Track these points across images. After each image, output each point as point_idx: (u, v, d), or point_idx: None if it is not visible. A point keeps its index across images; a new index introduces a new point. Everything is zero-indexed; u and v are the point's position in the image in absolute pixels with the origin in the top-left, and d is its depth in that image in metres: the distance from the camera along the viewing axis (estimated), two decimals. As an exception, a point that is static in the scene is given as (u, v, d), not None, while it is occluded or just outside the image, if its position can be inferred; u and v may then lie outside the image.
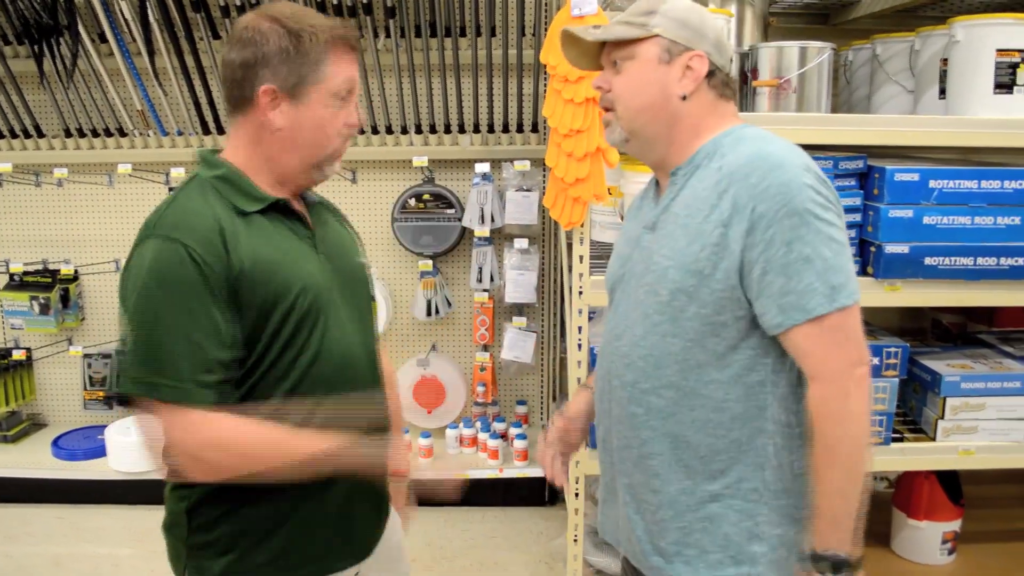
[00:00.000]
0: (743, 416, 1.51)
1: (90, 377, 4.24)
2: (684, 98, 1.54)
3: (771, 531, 1.53)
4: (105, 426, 3.99)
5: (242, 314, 1.50)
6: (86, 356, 4.23)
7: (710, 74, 1.55)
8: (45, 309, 4.12)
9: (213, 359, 1.46)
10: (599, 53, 1.64)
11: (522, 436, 3.91)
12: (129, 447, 3.82)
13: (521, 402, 4.27)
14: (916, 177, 2.51)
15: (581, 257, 2.57)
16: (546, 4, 3.80)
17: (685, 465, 1.55)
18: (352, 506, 1.69)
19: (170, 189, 3.67)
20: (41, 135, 4.03)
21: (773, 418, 1.51)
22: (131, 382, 1.46)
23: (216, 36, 3.83)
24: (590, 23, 2.41)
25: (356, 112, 1.63)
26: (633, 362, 1.58)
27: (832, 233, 1.42)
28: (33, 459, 3.99)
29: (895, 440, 2.74)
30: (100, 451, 3.95)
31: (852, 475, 1.44)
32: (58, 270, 4.19)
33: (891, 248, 2.50)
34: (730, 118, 1.60)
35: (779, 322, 1.43)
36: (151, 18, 3.68)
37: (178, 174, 3.85)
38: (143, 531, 3.64)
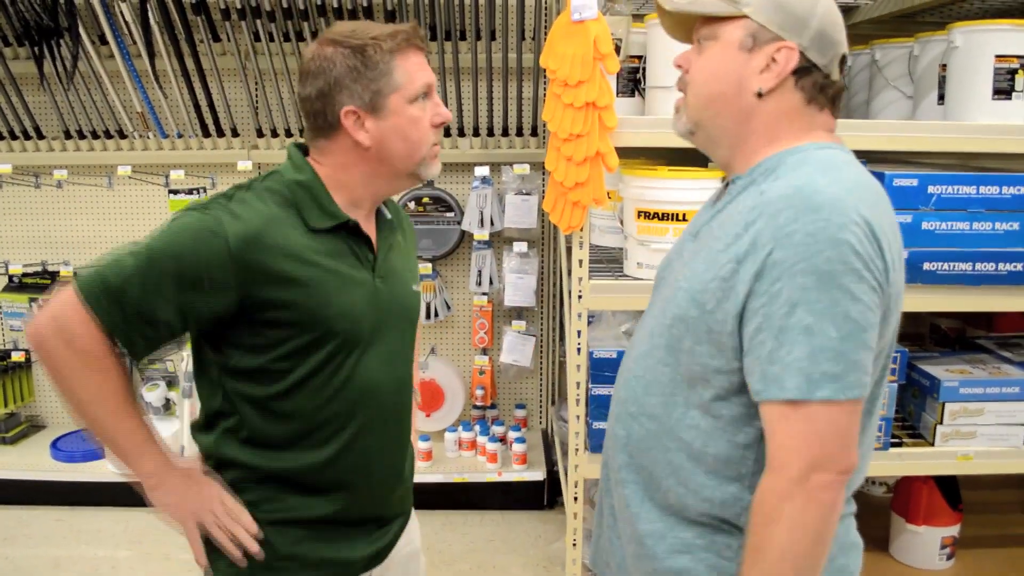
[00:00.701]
0: (720, 475, 1.33)
1: (89, 379, 4.23)
2: (760, 95, 1.31)
3: None
4: (104, 428, 3.97)
5: (265, 323, 1.50)
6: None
7: (801, 72, 1.31)
8: (44, 311, 4.11)
9: (161, 320, 1.45)
10: (693, 26, 1.41)
11: (521, 440, 3.91)
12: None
13: (520, 406, 4.27)
14: (915, 183, 2.51)
15: (580, 261, 2.57)
16: (546, 8, 3.81)
17: (657, 504, 1.40)
18: (373, 516, 1.71)
19: (171, 192, 3.68)
20: (41, 136, 4.03)
21: (753, 490, 1.28)
22: (85, 277, 1.45)
23: (216, 39, 3.84)
24: (591, 23, 2.41)
25: (441, 107, 1.62)
26: (629, 380, 1.45)
27: (850, 310, 1.17)
28: (32, 461, 3.99)
29: (893, 445, 2.74)
30: (98, 453, 3.93)
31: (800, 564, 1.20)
32: (57, 272, 4.19)
33: (892, 253, 2.50)
34: (816, 131, 1.35)
35: (757, 390, 1.22)
36: (151, 20, 3.69)
37: (178, 176, 3.85)
38: (141, 533, 3.64)
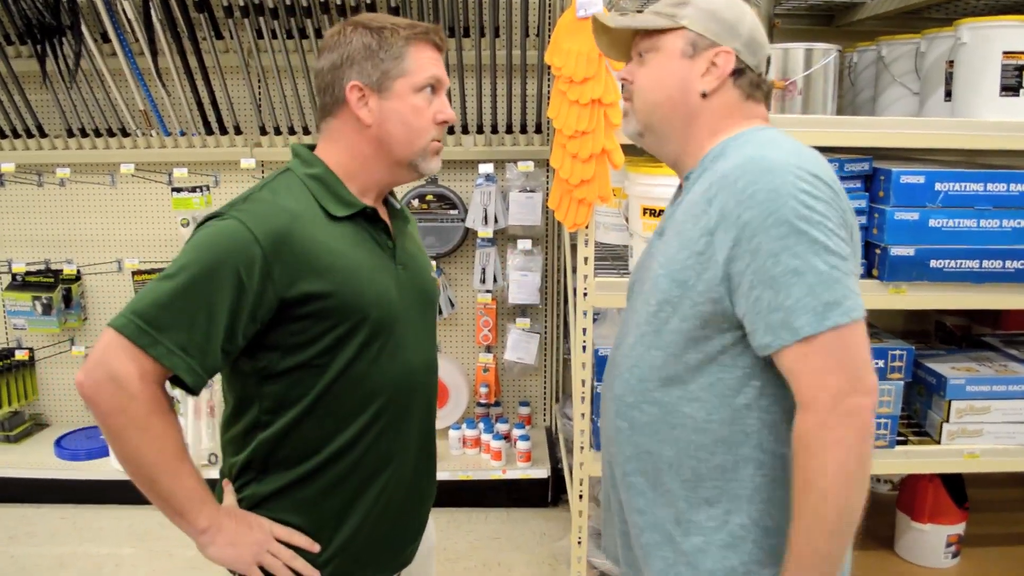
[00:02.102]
0: (728, 441, 1.40)
1: (92, 377, 4.22)
2: (704, 95, 1.46)
3: (759, 572, 1.40)
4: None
5: (298, 318, 1.49)
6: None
7: (738, 73, 1.46)
8: (47, 309, 4.11)
9: (213, 339, 1.44)
10: (630, 43, 1.57)
11: (525, 437, 3.90)
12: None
13: (524, 403, 4.26)
14: (922, 179, 2.50)
15: (586, 259, 2.57)
16: (550, 5, 3.79)
17: (668, 489, 1.45)
18: (404, 515, 1.71)
19: (174, 190, 3.67)
20: (44, 135, 4.02)
21: (762, 447, 1.39)
22: (120, 317, 1.41)
23: (219, 36, 3.83)
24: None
25: (447, 106, 1.63)
26: (621, 373, 1.51)
27: (827, 243, 1.28)
28: (36, 459, 3.98)
29: (899, 443, 2.73)
30: (103, 451, 3.94)
31: (827, 517, 1.27)
32: (60, 270, 4.19)
33: (896, 250, 2.49)
34: (755, 120, 1.50)
35: (767, 343, 1.30)
36: (154, 18, 3.68)
37: (181, 174, 3.84)
38: (145, 531, 3.64)
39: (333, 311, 1.51)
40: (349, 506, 1.61)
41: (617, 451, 1.54)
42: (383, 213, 1.68)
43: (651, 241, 1.58)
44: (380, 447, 1.61)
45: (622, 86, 1.57)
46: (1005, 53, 2.52)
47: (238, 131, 3.97)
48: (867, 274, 2.57)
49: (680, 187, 1.58)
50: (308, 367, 1.53)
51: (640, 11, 3.05)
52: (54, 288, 4.12)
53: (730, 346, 1.38)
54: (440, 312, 4.06)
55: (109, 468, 3.86)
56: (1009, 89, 2.53)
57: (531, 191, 3.87)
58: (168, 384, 1.47)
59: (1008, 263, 2.52)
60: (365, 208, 1.60)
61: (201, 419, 3.79)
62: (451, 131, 3.94)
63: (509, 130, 3.93)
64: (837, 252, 1.29)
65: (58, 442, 4.07)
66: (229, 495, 1.60)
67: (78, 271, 4.22)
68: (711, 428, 1.40)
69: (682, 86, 1.47)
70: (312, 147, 1.65)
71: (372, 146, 1.60)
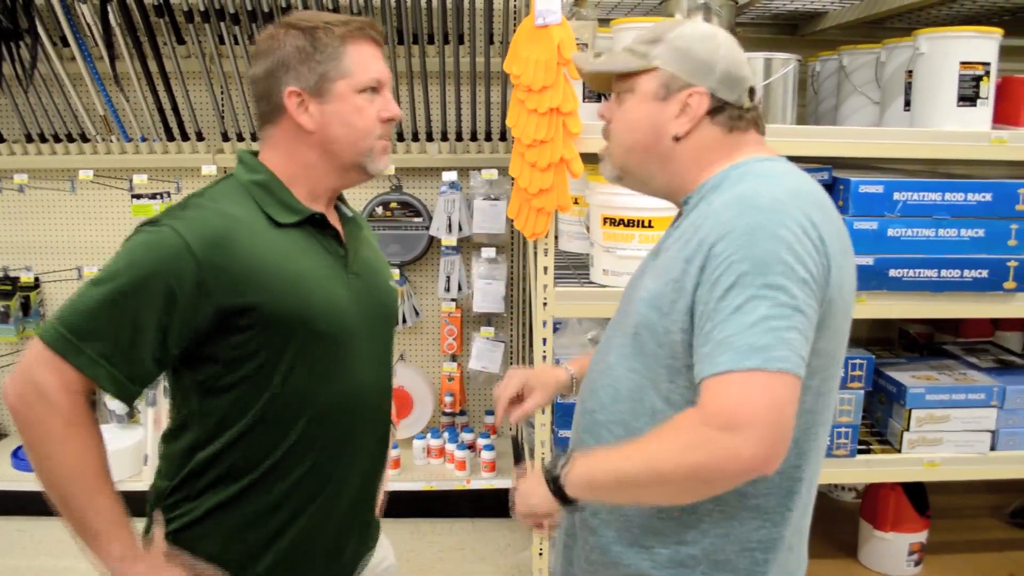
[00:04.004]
0: None
1: (51, 387, 4.16)
2: (677, 139, 1.41)
3: None
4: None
5: (239, 329, 1.44)
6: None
7: (715, 111, 1.40)
8: (5, 317, 4.04)
9: (141, 349, 1.40)
10: (612, 77, 1.52)
11: (490, 447, 3.87)
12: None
13: (490, 412, 4.24)
14: (880, 189, 2.51)
15: (545, 268, 2.55)
16: (514, 12, 3.78)
17: (623, 514, 1.44)
18: (346, 531, 1.65)
19: (134, 196, 3.62)
20: (1, 140, 3.96)
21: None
22: (47, 326, 1.39)
23: (181, 41, 3.79)
24: (555, 28, 2.39)
25: (392, 103, 1.58)
26: (596, 390, 1.49)
27: (780, 297, 1.21)
28: (-9, 471, 3.92)
29: (861, 452, 2.73)
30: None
31: (631, 475, 1.27)
32: (18, 278, 4.12)
33: (856, 260, 2.49)
34: (746, 148, 1.44)
35: (697, 371, 1.25)
36: (113, 22, 3.63)
37: (141, 180, 3.79)
38: (103, 544, 3.58)
39: (276, 322, 1.45)
40: (277, 535, 1.55)
41: None
42: (333, 219, 1.63)
43: (645, 260, 1.55)
44: (318, 472, 1.55)
45: (603, 127, 1.53)
46: (962, 63, 2.53)
47: (200, 137, 3.93)
48: (827, 283, 2.57)
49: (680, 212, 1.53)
50: (251, 381, 1.47)
51: (604, 18, 3.05)
52: (12, 296, 4.06)
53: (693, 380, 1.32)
54: (404, 321, 4.03)
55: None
56: (966, 99, 2.54)
57: (495, 199, 3.85)
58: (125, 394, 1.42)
59: (966, 272, 2.53)
60: (313, 214, 1.55)
61: (161, 430, 3.73)
62: (416, 138, 3.92)
63: (473, 138, 3.92)
64: (793, 303, 1.22)
65: (15, 453, 4.00)
66: (159, 527, 1.54)
67: (36, 279, 4.15)
68: None
69: (654, 129, 1.42)
70: (256, 153, 1.60)
71: (316, 151, 1.55)
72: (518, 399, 1.80)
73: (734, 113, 1.42)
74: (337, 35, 1.51)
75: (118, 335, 1.38)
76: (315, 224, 1.56)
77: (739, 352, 1.19)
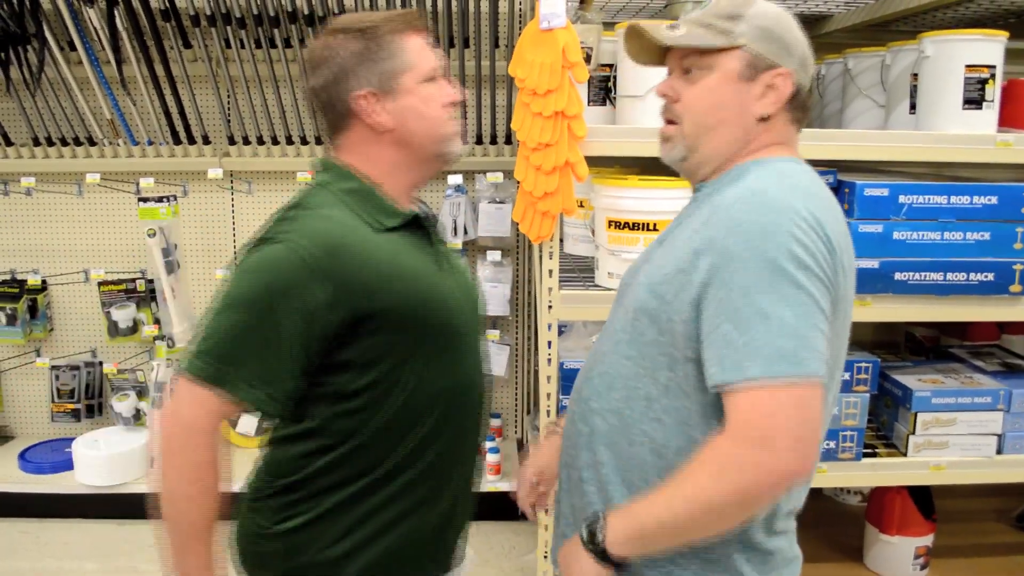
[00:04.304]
0: (677, 469, 1.33)
1: (57, 389, 4.17)
2: (763, 119, 1.38)
3: None
4: (72, 439, 3.92)
5: (368, 334, 1.45)
6: (53, 368, 4.16)
7: (793, 95, 1.38)
8: (12, 320, 4.05)
9: (278, 372, 1.42)
10: (664, 51, 1.46)
11: (495, 450, 3.87)
12: (96, 461, 3.76)
13: (495, 415, 4.24)
14: (886, 192, 2.50)
15: (551, 271, 2.55)
16: (520, 16, 3.79)
17: (615, 505, 1.41)
18: (451, 519, 1.66)
19: (141, 200, 3.62)
20: (9, 143, 3.97)
21: None
22: (200, 365, 1.41)
23: (187, 45, 3.80)
24: (560, 32, 2.39)
25: (452, 87, 1.59)
26: (591, 377, 1.48)
27: (801, 296, 1.21)
28: (-1, 472, 3.93)
29: (867, 455, 2.73)
30: (67, 464, 3.88)
31: (675, 518, 1.26)
32: (25, 280, 4.12)
33: (861, 263, 2.49)
34: (783, 148, 1.42)
35: (714, 374, 1.24)
36: (120, 27, 3.64)
37: (147, 184, 3.80)
38: (109, 546, 3.58)
39: (403, 322, 1.47)
40: (389, 528, 1.55)
41: (575, 455, 1.51)
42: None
43: (650, 247, 1.53)
44: (437, 465, 1.57)
45: (663, 107, 1.47)
46: (968, 67, 2.53)
47: (206, 141, 3.93)
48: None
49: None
50: (383, 383, 1.48)
51: (609, 22, 3.05)
52: (19, 298, 4.07)
53: (692, 376, 1.32)
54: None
55: (74, 482, 3.80)
56: (972, 102, 2.53)
57: (500, 202, 3.85)
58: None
59: (972, 276, 2.53)
60: (411, 215, 1.55)
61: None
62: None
63: (479, 141, 3.92)
64: (813, 304, 1.22)
65: (22, 455, 4.00)
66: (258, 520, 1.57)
67: (44, 281, 4.16)
68: (666, 454, 1.36)
69: (740, 110, 1.38)
70: (335, 159, 1.59)
71: (395, 148, 1.55)
72: (537, 485, 1.79)
73: (805, 100, 1.42)
74: (389, 31, 1.52)
75: (262, 356, 1.40)
76: (412, 225, 1.56)
77: (767, 359, 1.19)
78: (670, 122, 1.46)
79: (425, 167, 1.60)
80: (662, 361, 1.35)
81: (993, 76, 2.54)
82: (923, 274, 2.52)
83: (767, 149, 1.41)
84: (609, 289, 2.61)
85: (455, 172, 3.84)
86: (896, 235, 2.51)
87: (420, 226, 1.59)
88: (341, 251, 1.42)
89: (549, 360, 2.61)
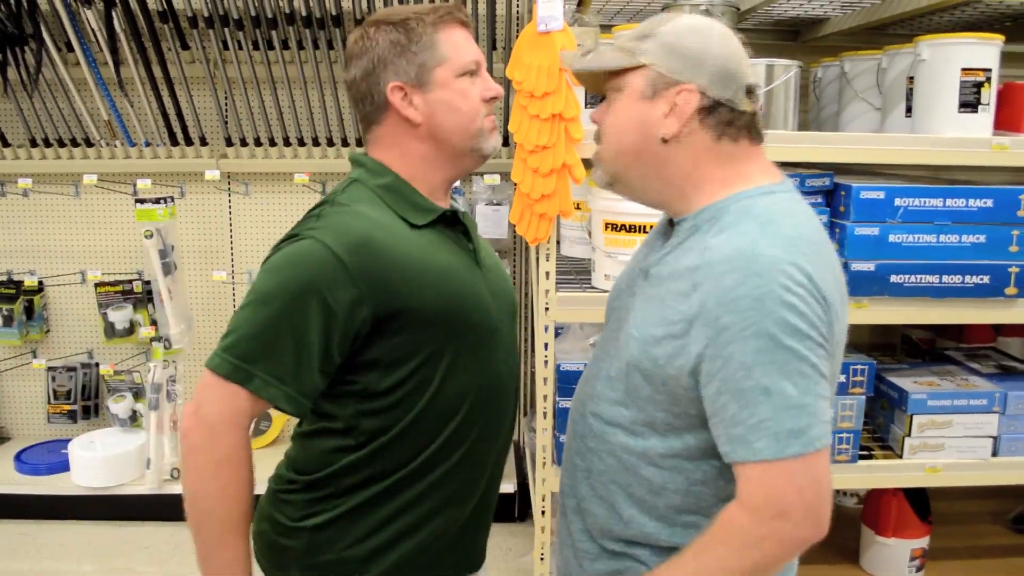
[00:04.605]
0: (680, 508, 1.37)
1: (54, 391, 4.17)
2: (665, 140, 1.34)
3: None
4: (69, 440, 3.92)
5: (396, 331, 1.44)
6: (50, 369, 4.16)
7: (705, 111, 1.32)
8: (8, 321, 4.05)
9: (301, 369, 1.42)
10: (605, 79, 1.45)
11: (492, 451, 3.87)
12: (93, 462, 3.76)
13: (492, 417, 4.24)
14: (882, 195, 2.51)
15: (548, 273, 2.55)
16: (517, 18, 3.79)
17: (616, 538, 1.44)
18: (478, 518, 1.66)
19: (138, 201, 3.62)
20: (6, 144, 3.97)
21: (711, 516, 1.34)
22: (224, 361, 1.40)
23: (185, 47, 3.80)
24: (557, 34, 2.40)
25: (492, 82, 1.57)
26: (585, 416, 1.47)
27: (802, 367, 1.20)
28: (-6, 474, 3.92)
29: (863, 457, 2.74)
30: (63, 466, 3.88)
31: None
32: (22, 281, 4.13)
33: (857, 266, 2.50)
34: (746, 166, 1.36)
35: (726, 452, 1.26)
36: (117, 28, 3.65)
37: (144, 185, 3.80)
38: (106, 547, 3.58)
39: (432, 320, 1.46)
40: (416, 528, 1.55)
41: (573, 485, 1.52)
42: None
43: (633, 273, 1.51)
44: (463, 465, 1.56)
45: (595, 132, 1.48)
46: (963, 70, 2.53)
47: (203, 142, 3.94)
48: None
49: (668, 224, 1.49)
50: (411, 381, 1.48)
51: (607, 24, 3.06)
52: (16, 299, 4.07)
53: (696, 425, 1.32)
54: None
55: (70, 483, 3.80)
56: (967, 105, 2.54)
57: (498, 204, 3.86)
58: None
59: (967, 278, 2.53)
60: (445, 212, 1.54)
61: (164, 433, 3.74)
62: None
63: (477, 142, 3.92)
64: (813, 372, 1.22)
65: (18, 456, 4.00)
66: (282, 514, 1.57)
67: (40, 282, 4.16)
68: (666, 494, 1.37)
69: (642, 131, 1.35)
70: (366, 154, 1.59)
71: (427, 143, 1.53)
72: None
73: (725, 115, 1.34)
74: (429, 23, 1.50)
75: (285, 354, 1.39)
76: (446, 222, 1.56)
77: (778, 439, 1.20)
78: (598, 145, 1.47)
79: (458, 163, 1.57)
80: (659, 417, 1.35)
81: (989, 79, 2.55)
82: (919, 276, 2.52)
83: (729, 177, 1.35)
84: (606, 291, 2.61)
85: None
86: (892, 238, 2.51)
87: (456, 223, 1.57)
88: (367, 248, 1.41)
89: (546, 362, 2.62)
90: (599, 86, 1.46)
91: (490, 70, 3.69)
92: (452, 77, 1.51)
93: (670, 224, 1.48)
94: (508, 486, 3.84)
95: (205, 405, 1.41)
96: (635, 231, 2.51)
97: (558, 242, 2.82)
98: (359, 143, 3.91)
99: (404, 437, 1.50)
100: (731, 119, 1.34)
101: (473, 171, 1.63)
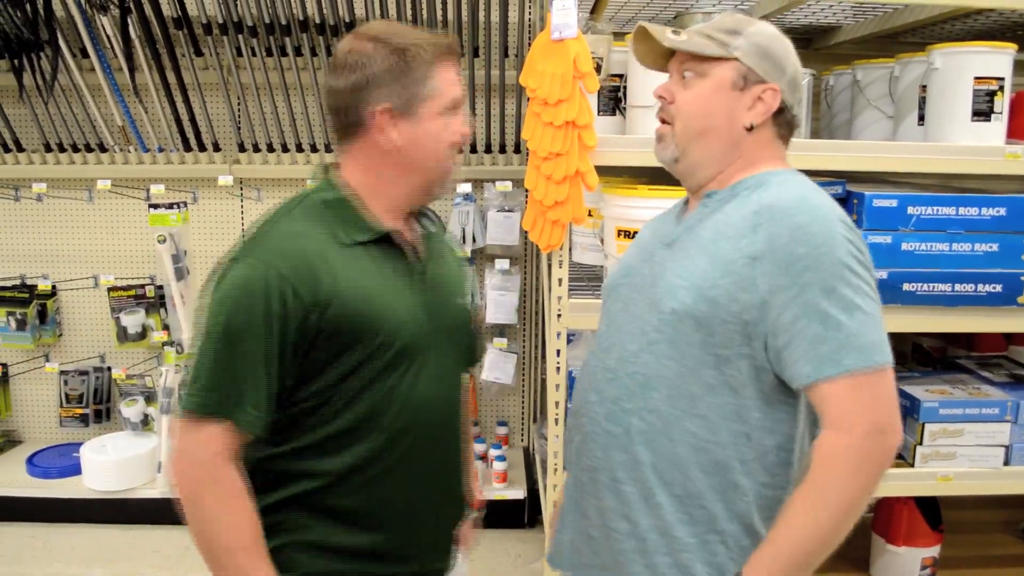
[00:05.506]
0: (723, 464, 1.42)
1: (66, 394, 4.19)
2: (749, 129, 1.48)
3: None
4: (80, 444, 3.94)
5: (318, 350, 1.46)
6: (62, 373, 4.18)
7: (779, 111, 1.49)
8: (22, 325, 4.08)
9: (267, 394, 1.43)
10: (668, 56, 1.57)
11: (502, 458, 3.88)
12: (104, 466, 3.77)
13: (502, 423, 4.25)
14: (894, 203, 2.51)
15: (560, 280, 2.56)
16: (529, 26, 3.81)
17: (657, 502, 1.46)
18: (437, 537, 1.66)
19: (151, 206, 3.64)
20: (21, 149, 4.00)
21: (752, 476, 1.43)
22: (192, 399, 1.41)
23: (199, 53, 3.83)
24: (571, 42, 2.41)
25: (465, 122, 1.59)
26: (619, 378, 1.50)
27: (868, 291, 1.35)
28: (7, 477, 3.93)
29: (873, 466, 2.73)
30: (75, 469, 3.89)
31: (824, 526, 1.32)
32: (36, 285, 4.15)
33: (869, 274, 2.50)
34: (780, 161, 1.53)
35: (808, 372, 1.34)
36: (132, 34, 3.67)
37: (158, 191, 3.82)
38: (116, 551, 3.59)
39: (351, 338, 1.46)
40: (356, 554, 1.55)
41: (604, 456, 1.52)
42: (410, 234, 1.62)
43: (652, 249, 1.56)
44: (391, 487, 1.55)
45: (659, 107, 1.55)
46: (976, 79, 2.54)
47: (216, 148, 3.96)
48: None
49: (687, 201, 1.61)
50: (324, 396, 1.48)
51: (619, 32, 3.07)
52: (29, 303, 4.09)
53: (746, 369, 1.40)
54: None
55: (81, 487, 3.82)
56: (980, 114, 2.54)
57: (509, 211, 3.87)
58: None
59: (980, 287, 2.53)
60: (384, 233, 1.54)
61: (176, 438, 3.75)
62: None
63: (488, 150, 3.94)
64: (874, 298, 1.36)
65: (30, 459, 4.02)
66: None
67: (53, 287, 4.18)
68: (710, 448, 1.42)
69: (728, 117, 1.48)
70: (335, 165, 1.60)
71: (398, 169, 1.54)
72: None
73: (790, 118, 1.52)
74: (429, 56, 1.51)
75: (248, 381, 1.41)
76: (387, 242, 1.56)
77: (863, 352, 1.32)
78: (664, 122, 1.55)
79: (416, 194, 1.59)
80: (708, 361, 1.41)
81: (1002, 88, 2.55)
82: (931, 285, 2.52)
83: (771, 161, 1.51)
84: (618, 298, 2.62)
85: (464, 180, 3.85)
86: (905, 246, 2.51)
87: (398, 243, 1.57)
88: (300, 266, 1.43)
89: (558, 368, 2.62)
90: (658, 61, 1.60)
91: (502, 77, 3.76)
92: (436, 113, 1.53)
93: (685, 204, 1.61)
94: (517, 492, 3.85)
95: (193, 448, 1.41)
96: (647, 238, 2.51)
97: (570, 249, 2.82)
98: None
99: (320, 450, 1.50)
100: (790, 122, 1.53)
101: (422, 206, 1.66)
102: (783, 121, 1.51)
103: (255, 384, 1.42)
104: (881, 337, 1.34)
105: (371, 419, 1.51)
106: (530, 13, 3.79)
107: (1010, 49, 2.56)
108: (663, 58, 1.58)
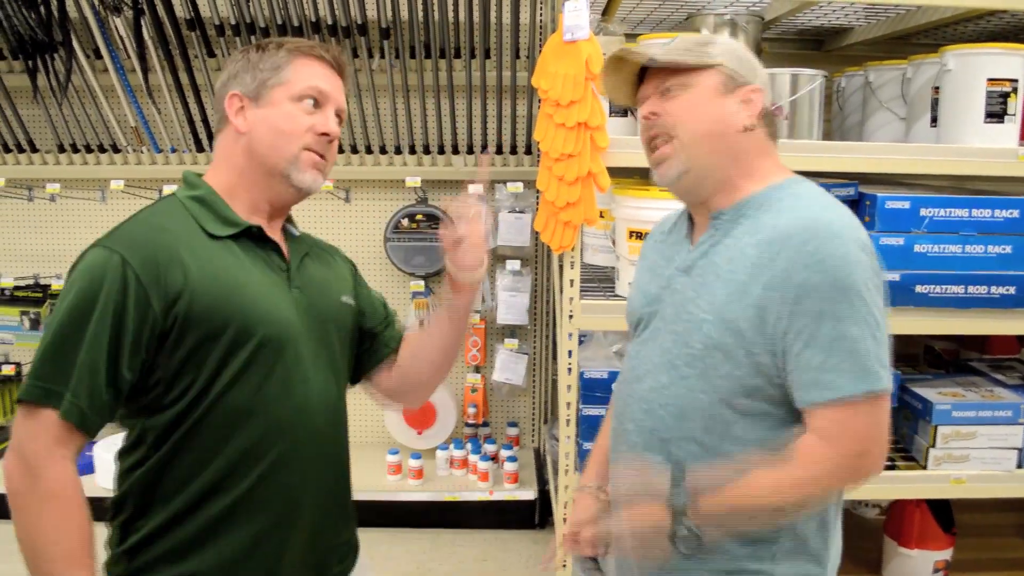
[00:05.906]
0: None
1: (79, 394, 4.20)
2: (743, 129, 1.49)
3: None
4: (94, 443, 3.95)
5: (180, 343, 1.42)
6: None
7: (764, 111, 1.51)
8: (36, 324, 4.10)
9: (102, 385, 1.38)
10: (637, 86, 1.59)
11: (513, 459, 3.89)
12: (117, 465, 3.78)
13: (512, 424, 4.25)
14: (907, 205, 2.51)
15: (572, 281, 2.56)
16: (540, 27, 3.81)
17: None
18: (306, 560, 1.59)
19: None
20: (35, 150, 4.02)
21: None
22: (26, 386, 1.37)
23: (211, 54, 3.84)
24: (583, 43, 2.41)
25: (331, 121, 1.57)
26: (653, 409, 1.52)
27: (876, 316, 1.37)
28: (19, 476, 3.94)
29: (886, 467, 2.71)
30: (88, 468, 3.91)
31: (777, 508, 1.41)
32: (49, 285, 4.17)
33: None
34: (779, 166, 1.55)
35: (804, 396, 1.39)
36: (145, 36, 3.69)
37: (170, 191, 3.81)
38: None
39: (214, 333, 1.43)
40: (236, 560, 1.49)
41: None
42: (276, 235, 1.60)
43: (670, 276, 1.56)
44: (264, 490, 1.49)
45: (651, 135, 1.54)
46: (990, 80, 2.53)
47: (228, 149, 3.96)
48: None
49: (691, 220, 1.60)
50: (190, 394, 1.43)
51: (631, 33, 3.07)
52: (42, 303, 4.11)
53: (776, 395, 1.43)
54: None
55: (95, 486, 3.83)
56: (994, 116, 2.54)
57: (520, 212, 3.88)
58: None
59: (993, 289, 2.52)
60: (249, 227, 1.53)
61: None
62: (441, 151, 3.95)
63: (499, 151, 3.94)
64: (882, 325, 1.38)
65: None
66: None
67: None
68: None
69: (723, 121, 1.49)
70: (201, 174, 1.59)
71: (245, 156, 1.53)
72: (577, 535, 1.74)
73: (771, 117, 1.54)
74: (285, 49, 1.55)
75: (75, 367, 1.36)
76: (252, 237, 1.54)
77: (856, 378, 1.35)
78: (658, 145, 1.53)
79: (270, 184, 1.55)
80: (738, 390, 1.44)
81: (1015, 90, 2.54)
82: (944, 287, 2.51)
83: (772, 170, 1.53)
84: (629, 299, 2.62)
85: (476, 182, 3.85)
86: (917, 248, 2.51)
87: (264, 239, 1.56)
88: (157, 257, 1.41)
89: (569, 369, 2.62)
90: (627, 93, 1.63)
91: (513, 79, 3.76)
92: (285, 99, 1.53)
93: (690, 221, 1.61)
94: (528, 493, 3.85)
95: (21, 442, 1.36)
96: (659, 239, 2.51)
97: (581, 250, 2.82)
98: (382, 150, 3.94)
99: (188, 451, 1.45)
100: (774, 121, 1.56)
101: (293, 204, 1.61)
102: (770, 120, 1.54)
103: (84, 374, 1.36)
104: (883, 364, 1.37)
105: (242, 419, 1.46)
106: (542, 15, 3.79)
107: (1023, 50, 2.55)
108: (632, 88, 1.61)
